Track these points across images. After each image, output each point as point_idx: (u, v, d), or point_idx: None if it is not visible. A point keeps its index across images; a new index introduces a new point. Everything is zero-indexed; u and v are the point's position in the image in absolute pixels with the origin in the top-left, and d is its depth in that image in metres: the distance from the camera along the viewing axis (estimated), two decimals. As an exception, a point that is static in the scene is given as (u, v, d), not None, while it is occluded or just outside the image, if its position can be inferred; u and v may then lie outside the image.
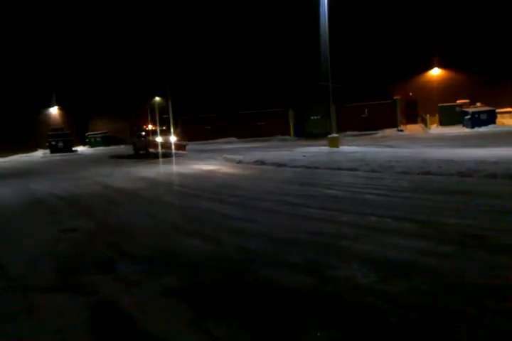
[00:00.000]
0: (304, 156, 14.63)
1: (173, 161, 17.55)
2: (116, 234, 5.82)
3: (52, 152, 30.04)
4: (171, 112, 29.95)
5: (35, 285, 4.01)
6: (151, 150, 21.15)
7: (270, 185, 9.25)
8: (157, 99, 38.56)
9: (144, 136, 23.17)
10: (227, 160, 15.82)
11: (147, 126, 25.71)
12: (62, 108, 37.52)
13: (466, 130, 25.68)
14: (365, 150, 16.18)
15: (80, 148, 33.79)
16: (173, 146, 20.77)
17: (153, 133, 22.83)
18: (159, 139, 21.56)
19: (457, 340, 2.59)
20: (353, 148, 16.98)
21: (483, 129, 24.62)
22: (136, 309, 3.30)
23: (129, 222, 6.50)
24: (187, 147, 22.12)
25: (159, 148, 20.70)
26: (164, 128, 24.33)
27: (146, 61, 34.56)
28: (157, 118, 30.55)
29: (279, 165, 12.93)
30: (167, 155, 20.09)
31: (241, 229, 5.53)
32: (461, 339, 2.60)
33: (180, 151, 20.97)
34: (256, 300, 3.33)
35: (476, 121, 26.01)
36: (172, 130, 23.99)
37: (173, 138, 22.10)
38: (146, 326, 3.01)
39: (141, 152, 23.30)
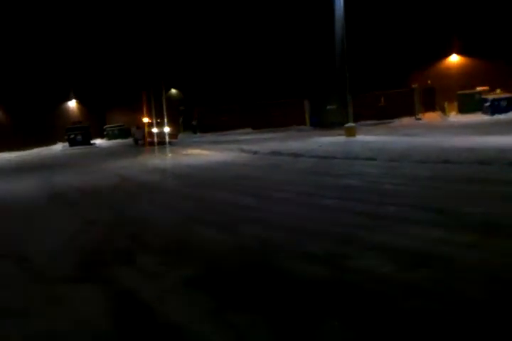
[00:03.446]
0: (321, 146, 14.56)
1: (183, 152, 17.65)
2: (136, 225, 5.89)
3: (71, 145, 30.40)
4: (165, 105, 31.53)
5: (59, 276, 4.09)
6: (149, 139, 24.70)
7: (287, 176, 9.24)
8: (173, 91, 38.68)
9: (142, 127, 27.02)
10: (244, 151, 15.83)
11: (144, 119, 28.80)
12: (80, 101, 37.89)
13: (485, 117, 25.23)
14: (382, 139, 16.03)
15: (98, 141, 34.14)
16: (166, 136, 24.49)
17: (150, 124, 26.94)
18: (155, 130, 25.49)
19: (475, 330, 2.58)
20: (369, 138, 16.83)
21: (503, 116, 24.15)
22: (155, 299, 3.36)
23: (148, 213, 6.57)
24: (178, 136, 27.46)
25: (155, 137, 24.32)
26: (159, 120, 28.07)
27: (162, 53, 34.62)
28: (163, 110, 31.31)
29: (296, 155, 12.90)
30: (162, 143, 23.45)
31: (260, 219, 5.54)
32: (481, 329, 2.59)
33: (173, 140, 25.04)
34: (274, 289, 3.35)
35: (495, 108, 25.54)
36: (166, 121, 27.56)
37: (166, 129, 25.88)
38: (166, 315, 3.06)
39: (140, 142, 26.60)
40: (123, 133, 36.16)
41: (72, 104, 38.00)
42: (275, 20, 31.66)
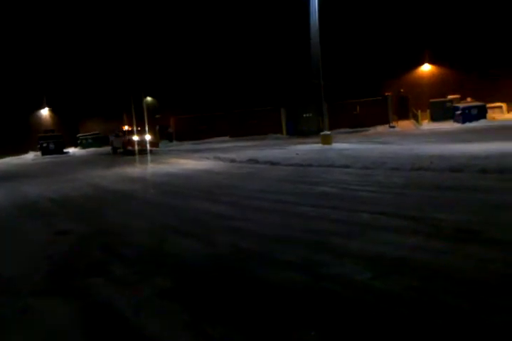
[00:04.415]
0: (297, 154, 14.64)
1: (160, 160, 17.51)
2: (109, 235, 5.79)
3: (43, 154, 29.80)
4: (145, 113, 31.23)
5: (29, 288, 3.98)
6: (129, 147, 23.90)
7: (264, 184, 9.24)
8: (148, 98, 38.44)
9: (121, 136, 25.95)
10: (221, 159, 15.80)
11: (124, 127, 27.99)
12: (53, 110, 37.28)
13: (456, 125, 25.80)
14: (357, 147, 16.22)
15: (72, 150, 33.59)
16: (147, 144, 23.80)
17: (130, 132, 25.97)
18: (136, 138, 24.45)
19: (451, 336, 2.60)
20: (345, 145, 17.02)
21: (473, 124, 24.74)
22: (130, 311, 3.29)
23: (121, 223, 6.47)
24: (159, 144, 26.65)
25: (136, 145, 23.47)
26: (139, 128, 27.23)
27: (137, 61, 34.42)
28: (144, 118, 31.02)
29: (273, 163, 12.93)
30: (143, 151, 22.89)
31: (235, 228, 5.52)
32: (456, 334, 2.61)
33: (154, 148, 24.41)
34: (251, 298, 3.33)
35: (466, 116, 26.14)
36: (147, 129, 27.05)
37: (148, 137, 25.09)
38: (141, 328, 3.00)
39: (119, 150, 25.83)
40: (98, 141, 35.67)
41: (45, 112, 37.36)
42: (251, 29, 31.88)
